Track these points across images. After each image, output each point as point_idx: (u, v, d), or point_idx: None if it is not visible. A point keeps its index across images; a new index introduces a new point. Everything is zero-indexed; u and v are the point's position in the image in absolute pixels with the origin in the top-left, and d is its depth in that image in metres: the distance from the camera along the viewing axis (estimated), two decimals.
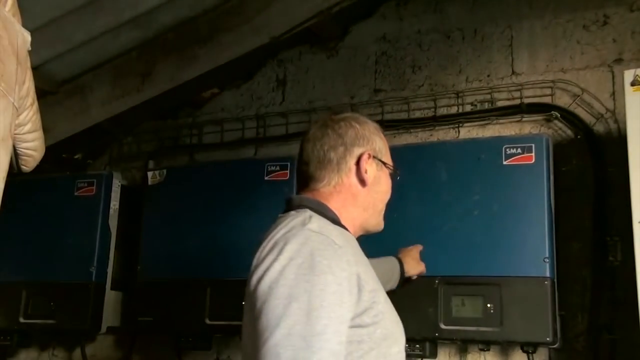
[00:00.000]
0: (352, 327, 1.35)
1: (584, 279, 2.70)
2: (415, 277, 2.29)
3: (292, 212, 1.53)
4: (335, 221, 1.54)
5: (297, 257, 1.34)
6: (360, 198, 1.61)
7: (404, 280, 2.22)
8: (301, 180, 1.65)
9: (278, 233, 1.44)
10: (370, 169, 1.61)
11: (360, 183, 1.61)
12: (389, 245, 2.60)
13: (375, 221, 1.68)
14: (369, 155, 1.61)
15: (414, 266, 2.27)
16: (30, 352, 3.72)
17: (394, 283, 2.16)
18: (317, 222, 1.44)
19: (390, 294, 1.61)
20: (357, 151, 1.60)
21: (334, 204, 1.58)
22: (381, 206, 1.68)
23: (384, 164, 1.67)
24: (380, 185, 1.65)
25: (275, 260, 1.35)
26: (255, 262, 1.42)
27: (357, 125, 1.63)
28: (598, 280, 2.65)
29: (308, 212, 1.49)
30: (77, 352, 3.53)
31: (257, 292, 1.34)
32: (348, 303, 1.34)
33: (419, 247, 2.34)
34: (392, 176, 1.71)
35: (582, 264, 2.71)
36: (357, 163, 1.60)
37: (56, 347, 3.69)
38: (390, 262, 2.20)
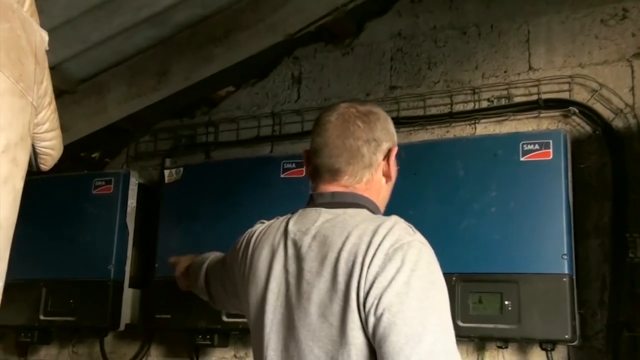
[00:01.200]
0: None
1: (603, 276, 2.68)
2: None
3: (365, 212, 1.50)
4: None
5: (418, 269, 1.34)
6: (382, 193, 1.59)
7: None
8: (326, 173, 1.56)
9: (386, 240, 1.37)
10: (393, 163, 1.57)
11: (386, 178, 1.58)
12: None
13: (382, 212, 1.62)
14: (394, 150, 1.58)
15: None
16: (50, 348, 3.75)
17: None
18: (419, 233, 1.43)
19: None
20: (385, 146, 1.56)
21: (367, 201, 1.55)
22: (389, 192, 1.64)
23: (397, 155, 1.61)
24: (394, 177, 1.61)
25: (398, 271, 1.33)
26: (361, 266, 1.36)
27: (382, 118, 1.58)
28: (617, 277, 2.63)
29: (394, 218, 1.45)
30: (96, 349, 3.56)
31: (384, 302, 1.31)
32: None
33: None
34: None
35: (601, 260, 2.69)
36: (385, 158, 1.56)
37: (76, 344, 3.72)
38: None
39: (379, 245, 1.36)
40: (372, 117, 1.55)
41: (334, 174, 1.54)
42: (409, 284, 1.31)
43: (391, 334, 1.27)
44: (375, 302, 1.31)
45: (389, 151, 1.56)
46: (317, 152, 1.56)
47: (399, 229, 1.40)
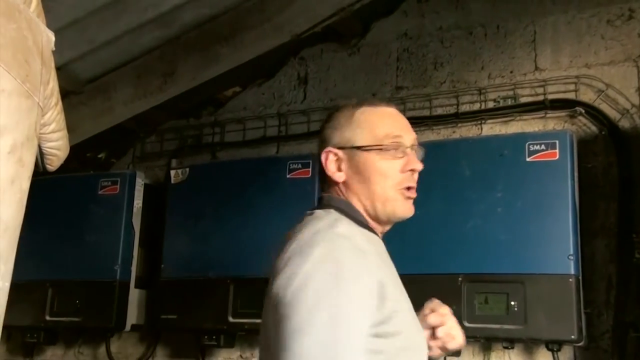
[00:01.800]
0: (372, 336, 1.29)
1: (609, 276, 2.67)
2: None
3: (319, 212, 1.47)
4: (362, 223, 1.48)
5: (324, 262, 1.29)
6: (359, 192, 1.49)
7: None
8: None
9: (304, 235, 1.38)
10: (343, 164, 1.50)
11: (336, 181, 1.51)
12: (412, 242, 2.60)
13: (381, 210, 1.49)
14: (327, 154, 1.51)
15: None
16: (56, 349, 3.76)
17: None
18: (345, 226, 1.39)
19: None
20: (323, 147, 1.53)
21: (355, 201, 1.50)
22: (370, 194, 1.49)
23: (359, 148, 1.49)
24: (362, 174, 1.49)
25: (302, 264, 1.30)
26: (279, 262, 1.36)
27: (330, 122, 1.55)
28: (624, 278, 2.62)
29: (334, 214, 1.44)
30: (102, 350, 3.57)
31: (282, 295, 1.29)
32: (369, 312, 1.29)
33: (434, 307, 1.63)
34: (389, 152, 1.50)
35: (607, 261, 2.69)
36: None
37: (82, 345, 3.72)
38: None
39: (298, 240, 1.37)
40: (327, 124, 1.56)
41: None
42: (309, 277, 1.28)
43: (280, 327, 1.27)
44: (276, 295, 1.31)
45: (321, 156, 1.53)
46: None
47: (324, 224, 1.40)
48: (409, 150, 1.52)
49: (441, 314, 1.59)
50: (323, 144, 1.54)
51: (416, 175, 1.53)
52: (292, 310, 1.25)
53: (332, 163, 1.51)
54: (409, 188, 1.51)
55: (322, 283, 1.26)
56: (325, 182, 1.55)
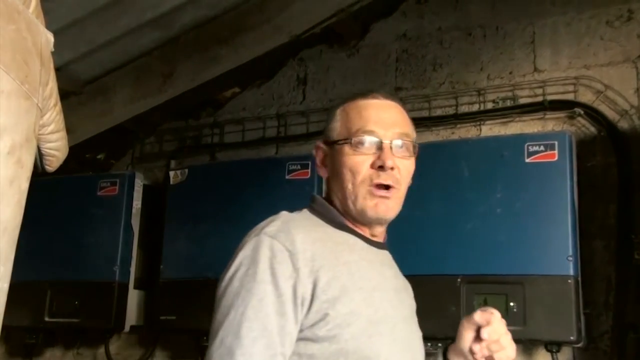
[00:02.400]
0: (302, 339, 1.27)
1: (608, 277, 2.67)
2: None
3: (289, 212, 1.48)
4: (335, 222, 1.44)
5: (244, 264, 1.30)
6: (335, 188, 1.47)
7: None
8: None
9: (245, 237, 1.39)
10: (327, 158, 1.50)
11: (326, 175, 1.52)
12: (410, 243, 2.60)
13: (353, 208, 1.42)
14: (318, 147, 1.52)
15: (460, 342, 1.48)
16: (55, 350, 3.75)
17: None
18: (278, 226, 1.34)
19: None
20: (318, 143, 1.54)
21: (334, 199, 1.47)
22: (343, 191, 1.42)
23: (333, 143, 1.46)
24: (335, 169, 1.46)
25: (230, 265, 1.33)
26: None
27: (331, 114, 1.54)
28: (623, 279, 2.62)
29: (283, 213, 1.42)
30: (101, 351, 3.56)
31: (215, 295, 1.33)
32: (292, 314, 1.25)
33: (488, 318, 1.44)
34: (358, 146, 1.42)
35: (606, 262, 2.69)
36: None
37: (80, 346, 3.72)
38: None
39: (241, 243, 1.39)
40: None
41: None
42: (231, 280, 1.30)
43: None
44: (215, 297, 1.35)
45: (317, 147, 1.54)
46: None
47: (261, 224, 1.39)
48: (385, 144, 1.41)
49: (489, 312, 1.43)
50: (324, 134, 1.54)
51: (394, 172, 1.41)
52: (214, 314, 1.30)
53: (319, 158, 1.53)
54: (377, 186, 1.40)
55: (237, 287, 1.28)
56: None
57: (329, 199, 1.49)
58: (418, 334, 1.52)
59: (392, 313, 1.39)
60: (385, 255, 1.52)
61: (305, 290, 1.27)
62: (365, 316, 1.31)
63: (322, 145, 1.51)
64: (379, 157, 1.40)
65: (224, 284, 1.31)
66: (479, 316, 1.42)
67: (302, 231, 1.34)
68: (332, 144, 1.47)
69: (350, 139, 1.42)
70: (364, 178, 1.40)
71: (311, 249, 1.31)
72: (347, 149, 1.42)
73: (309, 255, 1.30)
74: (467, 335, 1.45)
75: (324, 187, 1.55)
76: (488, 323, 1.41)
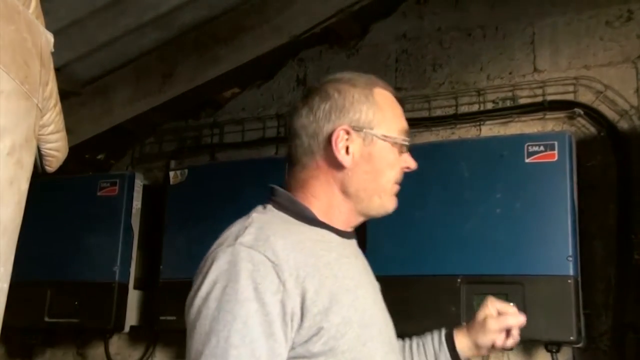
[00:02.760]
0: (294, 358, 1.16)
1: (608, 278, 2.67)
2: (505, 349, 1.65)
3: (257, 208, 1.36)
4: (306, 217, 1.33)
5: (221, 280, 1.15)
6: (345, 182, 1.34)
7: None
8: (286, 162, 1.44)
9: (215, 244, 1.25)
10: (354, 145, 1.33)
11: (340, 165, 1.33)
12: (410, 243, 2.60)
13: (374, 204, 1.38)
14: (346, 131, 1.33)
15: (483, 337, 1.58)
16: (55, 350, 3.75)
17: None
18: (255, 232, 1.21)
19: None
20: (329, 127, 1.34)
21: (313, 192, 1.35)
22: (374, 186, 1.36)
23: (377, 135, 1.36)
24: (371, 163, 1.35)
25: (202, 283, 1.18)
26: (195, 273, 1.25)
27: (335, 94, 1.36)
28: (623, 279, 2.62)
29: (253, 215, 1.30)
30: (101, 351, 3.56)
31: (186, 320, 1.19)
32: (281, 333, 1.13)
33: (494, 304, 1.64)
34: (400, 147, 1.39)
35: (606, 262, 2.69)
36: (330, 141, 1.33)
37: (80, 346, 3.72)
38: (426, 343, 1.62)
39: (209, 251, 1.25)
40: (317, 97, 1.37)
41: (287, 164, 1.42)
42: (206, 299, 1.15)
43: (187, 351, 1.16)
44: (186, 316, 1.20)
45: (334, 131, 1.33)
46: None
47: (233, 231, 1.25)
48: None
49: (513, 313, 1.57)
50: (331, 114, 1.35)
51: None
52: (190, 340, 1.15)
53: (343, 143, 1.33)
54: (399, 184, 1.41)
55: (214, 308, 1.13)
56: (295, 164, 1.39)
57: (293, 191, 1.37)
58: (392, 325, 1.44)
59: (376, 311, 1.35)
60: (354, 245, 1.44)
61: (294, 304, 1.15)
62: (356, 322, 1.24)
63: (349, 129, 1.33)
64: (408, 159, 1.41)
65: (196, 305, 1.16)
66: (512, 319, 1.56)
67: (280, 236, 1.22)
68: (371, 134, 1.35)
69: (396, 138, 1.38)
70: (396, 176, 1.40)
71: (293, 256, 1.19)
72: (390, 146, 1.37)
73: (292, 264, 1.18)
74: (492, 327, 1.55)
75: (292, 177, 1.40)
76: (520, 323, 1.56)
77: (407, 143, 1.41)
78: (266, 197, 1.40)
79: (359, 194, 1.36)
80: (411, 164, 1.42)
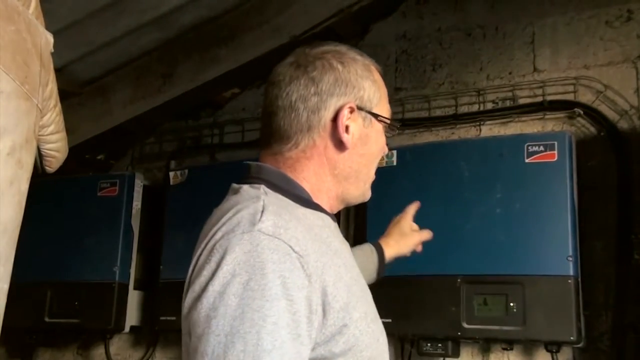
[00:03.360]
0: (315, 359, 1.03)
1: (608, 278, 2.67)
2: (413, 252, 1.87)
3: (244, 188, 1.17)
4: (305, 200, 1.19)
5: (241, 273, 0.98)
6: (339, 165, 1.22)
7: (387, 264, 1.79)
8: (263, 137, 1.28)
9: (220, 230, 1.06)
10: (355, 125, 1.22)
11: (339, 146, 1.21)
12: None
13: (359, 191, 1.28)
14: (351, 108, 1.21)
15: (403, 243, 1.82)
16: (55, 351, 3.75)
17: (369, 276, 1.66)
18: (273, 218, 1.04)
19: (372, 287, 1.29)
20: (334, 103, 1.20)
21: (304, 174, 1.21)
22: (366, 171, 1.27)
23: (376, 116, 1.25)
24: (368, 146, 1.25)
25: (213, 275, 1.00)
26: (191, 269, 1.08)
27: (339, 66, 1.24)
28: (623, 279, 2.62)
29: (262, 197, 1.10)
30: (101, 351, 3.56)
31: (192, 320, 1.01)
32: (306, 335, 0.99)
33: (410, 211, 1.87)
34: (388, 129, 1.30)
35: (606, 262, 2.68)
36: (335, 119, 1.20)
37: (80, 346, 3.72)
38: (363, 253, 1.72)
39: (212, 235, 1.07)
40: (319, 64, 1.23)
41: (266, 139, 1.27)
42: (223, 294, 0.98)
43: (195, 355, 0.98)
44: (186, 318, 1.04)
45: (340, 109, 1.20)
46: (261, 115, 1.31)
47: (246, 215, 1.06)
48: None
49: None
50: (336, 88, 1.21)
51: None
52: (202, 344, 0.97)
53: (345, 119, 1.21)
54: None
55: (236, 305, 0.97)
56: (266, 146, 1.27)
57: (279, 173, 1.22)
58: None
59: (371, 299, 1.23)
60: (337, 227, 1.29)
61: (317, 301, 1.02)
62: (368, 315, 1.14)
63: (354, 106, 1.22)
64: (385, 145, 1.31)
65: (208, 301, 0.98)
66: (408, 247, 1.82)
67: (295, 221, 1.08)
68: (371, 114, 1.25)
69: (392, 122, 1.30)
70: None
71: (311, 244, 1.06)
72: (383, 128, 1.28)
73: (312, 254, 1.04)
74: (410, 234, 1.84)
75: (277, 155, 1.25)
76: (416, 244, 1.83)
77: (397, 129, 1.33)
78: (246, 176, 1.24)
79: (349, 178, 1.24)
80: (386, 149, 1.33)
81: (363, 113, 1.23)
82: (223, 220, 1.08)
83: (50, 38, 1.39)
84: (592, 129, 2.81)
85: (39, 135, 1.37)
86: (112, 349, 3.55)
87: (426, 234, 1.90)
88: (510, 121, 2.97)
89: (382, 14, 3.37)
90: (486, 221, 2.61)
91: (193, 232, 3.20)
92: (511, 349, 2.64)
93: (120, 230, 3.33)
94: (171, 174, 3.35)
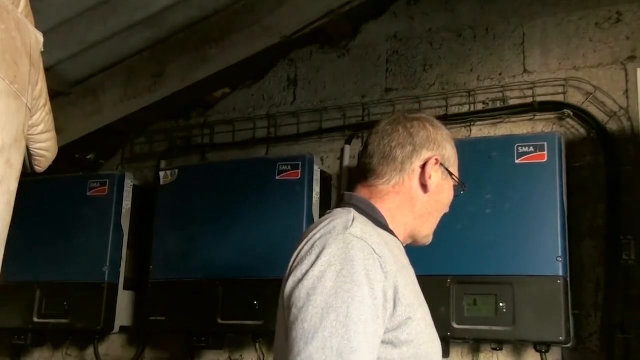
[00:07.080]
0: (383, 343, 1.29)
1: (597, 278, 2.68)
2: None
3: (338, 210, 1.47)
4: (382, 225, 1.48)
5: (336, 264, 1.27)
6: (418, 204, 1.54)
7: None
8: (361, 173, 1.57)
9: (318, 233, 1.36)
10: (436, 175, 1.54)
11: (422, 188, 1.53)
12: None
13: (426, 232, 1.60)
14: (437, 160, 1.54)
15: None
16: (44, 351, 3.74)
17: None
18: (360, 226, 1.36)
19: None
20: (425, 154, 1.53)
21: (389, 204, 1.51)
22: (436, 216, 1.59)
23: (451, 174, 1.59)
24: (441, 195, 1.57)
25: (313, 264, 1.28)
26: (292, 261, 1.36)
27: (431, 128, 1.56)
28: (612, 279, 2.63)
29: (352, 213, 1.41)
30: (90, 351, 3.55)
31: (294, 297, 1.28)
32: (382, 318, 1.28)
33: None
34: (456, 189, 1.63)
35: (595, 262, 2.70)
36: (423, 167, 1.53)
37: (70, 347, 3.71)
38: None
39: (312, 237, 1.36)
40: (416, 124, 1.55)
41: (365, 173, 1.55)
42: (321, 278, 1.26)
43: (292, 329, 1.24)
44: (288, 296, 1.30)
45: (428, 160, 1.53)
46: (360, 154, 1.62)
47: (340, 223, 1.37)
48: None
49: None
50: (428, 143, 1.54)
51: None
52: (303, 314, 1.24)
53: (430, 171, 1.54)
54: None
55: (331, 287, 1.24)
56: (363, 180, 1.56)
57: (366, 201, 1.52)
58: None
59: (429, 313, 1.50)
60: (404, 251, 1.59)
61: (391, 294, 1.30)
62: (427, 320, 1.42)
63: (440, 162, 1.55)
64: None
65: (309, 283, 1.27)
66: None
67: (376, 234, 1.38)
68: (449, 172, 1.59)
69: (462, 183, 1.64)
70: None
71: (387, 253, 1.34)
72: (452, 186, 1.61)
73: (388, 260, 1.33)
74: None
75: (369, 187, 1.54)
76: None
77: (463, 191, 1.65)
78: (339, 202, 1.54)
79: (424, 217, 1.56)
80: (448, 209, 1.64)
81: (442, 168, 1.57)
82: (321, 226, 1.38)
83: (40, 37, 1.39)
84: (582, 130, 2.82)
85: (29, 135, 1.36)
86: (102, 349, 3.54)
87: None
88: (500, 122, 2.98)
89: (373, 14, 3.38)
90: (476, 222, 2.62)
91: (183, 231, 3.21)
92: (501, 349, 2.65)
93: (110, 230, 3.32)
94: (161, 173, 3.35)
